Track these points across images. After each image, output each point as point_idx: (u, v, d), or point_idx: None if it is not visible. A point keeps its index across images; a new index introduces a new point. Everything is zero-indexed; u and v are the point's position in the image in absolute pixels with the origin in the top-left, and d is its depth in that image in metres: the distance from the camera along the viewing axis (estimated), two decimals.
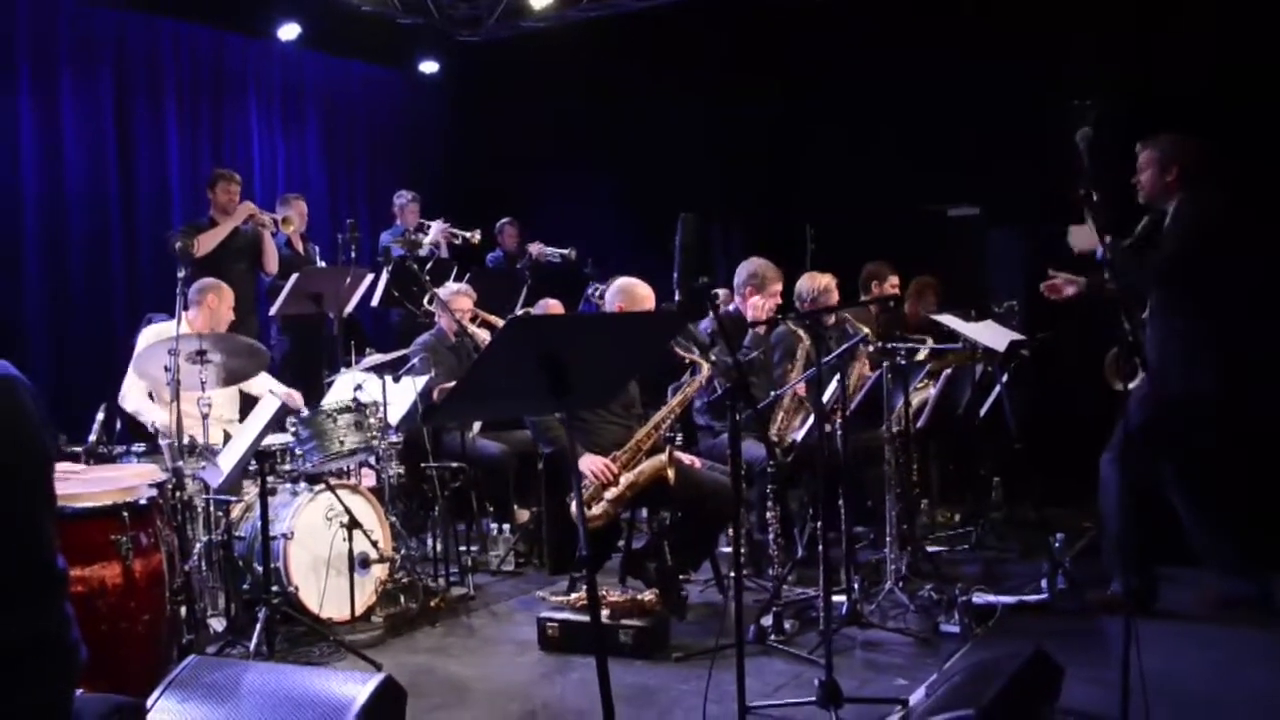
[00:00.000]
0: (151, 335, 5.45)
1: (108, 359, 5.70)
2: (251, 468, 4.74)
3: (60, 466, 3.89)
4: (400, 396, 5.51)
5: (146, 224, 7.94)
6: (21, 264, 7.27)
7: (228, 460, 4.58)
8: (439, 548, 5.68)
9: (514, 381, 2.76)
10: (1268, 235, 5.50)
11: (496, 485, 6.32)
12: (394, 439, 5.43)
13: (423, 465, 5.76)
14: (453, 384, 5.31)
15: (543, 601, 4.96)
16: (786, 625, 4.65)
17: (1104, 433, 4.86)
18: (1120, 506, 4.71)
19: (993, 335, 5.68)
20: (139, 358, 5.11)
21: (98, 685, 2.42)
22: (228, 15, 8.51)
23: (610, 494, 4.87)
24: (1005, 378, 5.83)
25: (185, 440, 4.69)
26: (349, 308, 6.87)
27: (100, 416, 4.96)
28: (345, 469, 5.39)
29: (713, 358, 5.19)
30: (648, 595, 4.66)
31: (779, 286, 5.88)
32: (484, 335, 6.22)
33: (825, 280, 5.95)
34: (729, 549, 5.12)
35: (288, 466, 5.11)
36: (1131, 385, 4.64)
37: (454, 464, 5.80)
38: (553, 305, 7.14)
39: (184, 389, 4.69)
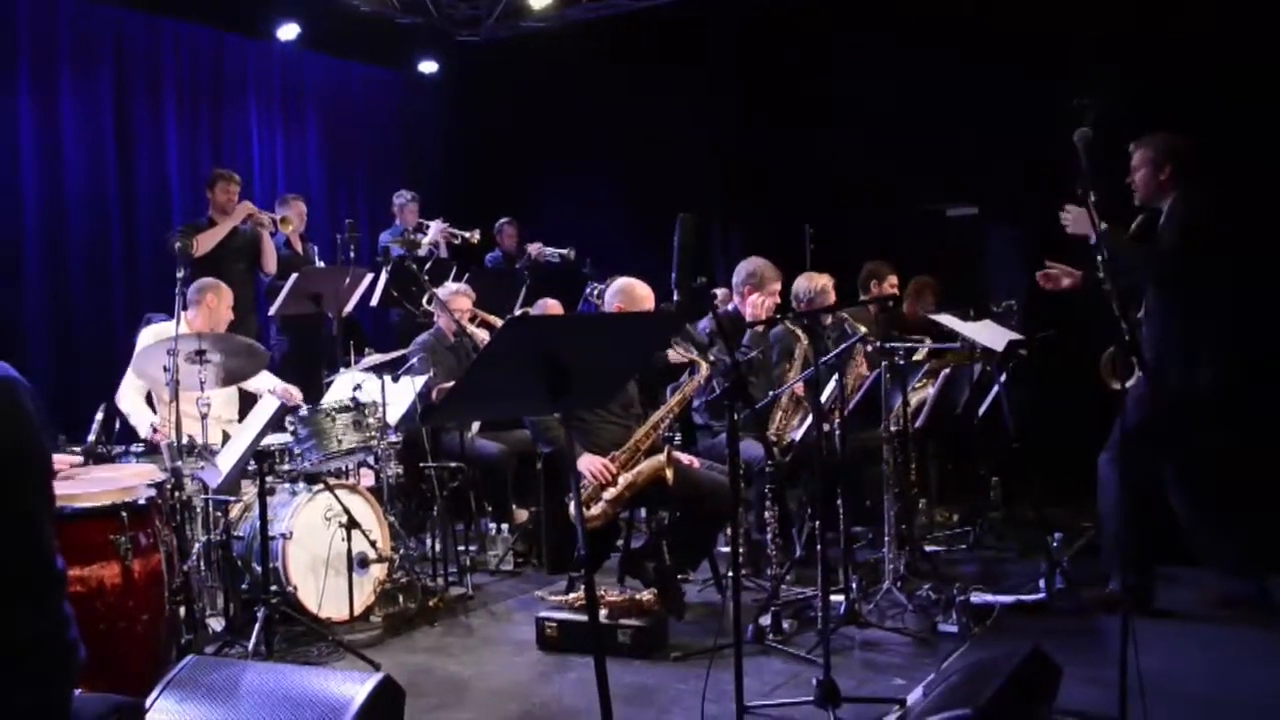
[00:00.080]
0: (151, 335, 5.45)
1: (107, 359, 5.71)
2: (250, 468, 4.74)
3: (60, 457, 3.89)
4: (399, 396, 5.52)
5: (146, 224, 7.94)
6: (21, 264, 7.27)
7: (226, 460, 4.58)
8: (437, 547, 5.68)
9: (513, 381, 2.76)
10: (1263, 232, 5.51)
11: (495, 485, 6.32)
12: (393, 439, 5.43)
13: (421, 465, 5.76)
14: (451, 384, 5.33)
15: (541, 601, 4.97)
16: (785, 625, 4.65)
17: (1102, 432, 4.86)
18: (1118, 506, 4.71)
19: (991, 335, 5.68)
20: (139, 357, 5.12)
21: (96, 685, 2.43)
22: (227, 15, 8.52)
23: (609, 494, 4.87)
24: (1003, 377, 5.83)
25: (184, 440, 4.69)
26: (348, 308, 6.87)
27: (99, 417, 4.97)
28: (344, 469, 5.39)
29: (711, 357, 5.20)
30: (646, 595, 4.67)
31: (778, 286, 5.88)
32: (483, 335, 6.22)
33: (822, 280, 5.96)
34: (727, 549, 5.14)
35: (286, 466, 5.12)
36: (1129, 385, 4.64)
37: (453, 464, 5.81)
38: (551, 305, 7.15)
39: (183, 389, 4.69)
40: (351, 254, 7.17)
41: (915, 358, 5.84)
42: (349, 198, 9.76)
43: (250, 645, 4.41)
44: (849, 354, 5.34)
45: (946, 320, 5.71)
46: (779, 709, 3.84)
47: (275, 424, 4.69)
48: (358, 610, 4.97)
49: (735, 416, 3.81)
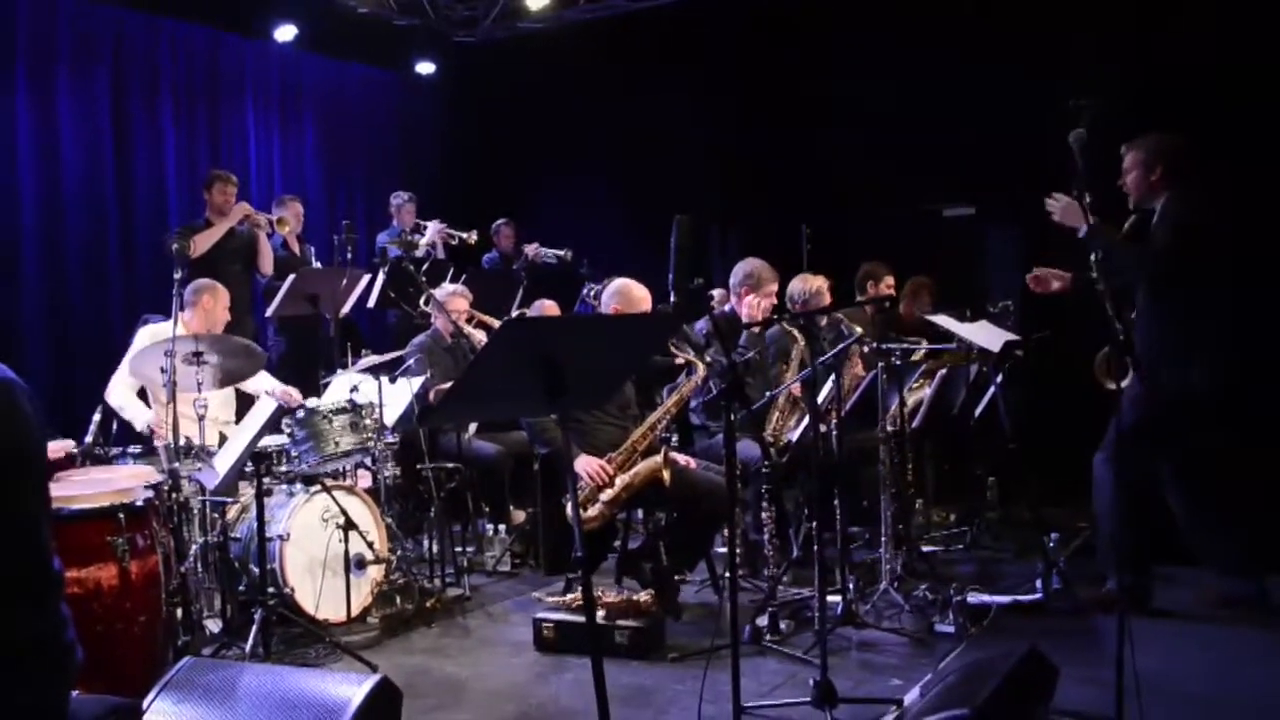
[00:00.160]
0: (147, 336, 5.44)
1: (105, 360, 5.70)
2: (247, 469, 4.74)
3: (52, 445, 3.89)
4: (396, 397, 5.52)
5: (143, 224, 7.93)
6: (18, 264, 7.26)
7: (224, 462, 4.58)
8: (435, 549, 5.68)
9: (510, 383, 2.77)
10: (1258, 232, 5.52)
11: (492, 486, 6.32)
12: (390, 440, 5.43)
13: (418, 466, 5.77)
14: (449, 385, 5.33)
15: (538, 602, 4.97)
16: (782, 625, 4.66)
17: (1098, 432, 4.87)
18: (1114, 506, 4.72)
19: (987, 335, 5.68)
20: (135, 358, 5.11)
21: (94, 686, 2.43)
22: (225, 15, 8.51)
23: (606, 495, 4.88)
24: (1000, 378, 5.83)
25: (181, 442, 4.69)
26: (345, 309, 6.87)
27: (96, 418, 4.97)
28: (341, 470, 5.39)
29: (708, 358, 5.20)
30: (643, 596, 4.67)
31: (775, 287, 5.89)
32: (480, 336, 6.22)
33: (817, 282, 5.96)
34: (724, 549, 5.13)
35: (284, 468, 5.12)
36: (1123, 384, 4.65)
37: (450, 465, 5.82)
38: (549, 306, 7.15)
39: (180, 390, 4.69)
40: (349, 255, 7.17)
41: (912, 359, 5.84)
42: (346, 198, 9.76)
43: (247, 647, 4.41)
44: (845, 355, 5.35)
45: (943, 321, 5.72)
46: (776, 710, 3.84)
47: (272, 425, 4.69)
48: (355, 611, 4.97)
49: (732, 417, 3.81)
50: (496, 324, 6.47)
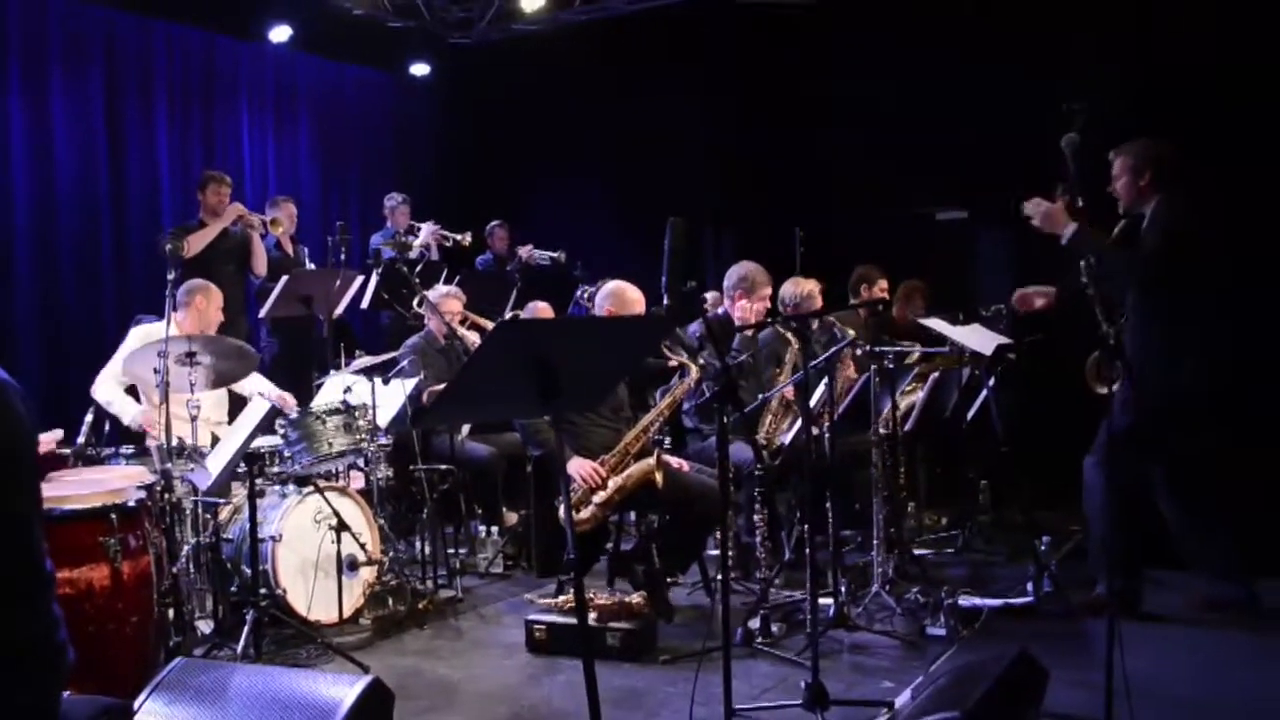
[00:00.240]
0: (140, 337, 5.44)
1: (97, 360, 5.70)
2: (240, 470, 4.74)
3: (43, 436, 3.89)
4: (389, 399, 5.51)
5: (137, 225, 7.93)
6: (11, 264, 7.25)
7: (216, 462, 4.58)
8: (427, 550, 5.68)
9: (503, 385, 2.77)
10: (1252, 234, 5.55)
11: (485, 488, 6.32)
12: (383, 441, 5.43)
13: (411, 468, 5.76)
14: (442, 387, 5.33)
15: (530, 604, 4.98)
16: (774, 628, 4.66)
17: (1090, 436, 4.88)
18: (1104, 510, 4.73)
19: (980, 339, 5.70)
20: (128, 358, 5.11)
21: (85, 687, 2.43)
22: (219, 17, 8.51)
23: (598, 497, 4.88)
24: (992, 381, 5.85)
25: (174, 442, 4.69)
26: (339, 310, 6.87)
27: (89, 418, 4.96)
28: (334, 471, 5.38)
29: (701, 361, 5.21)
30: (635, 598, 4.67)
31: (769, 291, 5.91)
32: (473, 338, 6.22)
33: (809, 285, 5.98)
34: (716, 552, 5.13)
35: (276, 469, 5.11)
36: (1114, 388, 4.66)
37: (443, 466, 5.82)
38: (542, 308, 7.14)
39: (173, 391, 4.68)
40: (342, 256, 7.17)
41: (905, 362, 5.85)
42: (340, 200, 9.76)
43: (239, 647, 4.41)
44: (838, 358, 5.36)
45: (935, 324, 5.74)
46: (767, 712, 3.85)
47: (265, 426, 4.69)
48: (347, 613, 4.96)
49: (725, 420, 3.82)
50: (490, 326, 6.47)
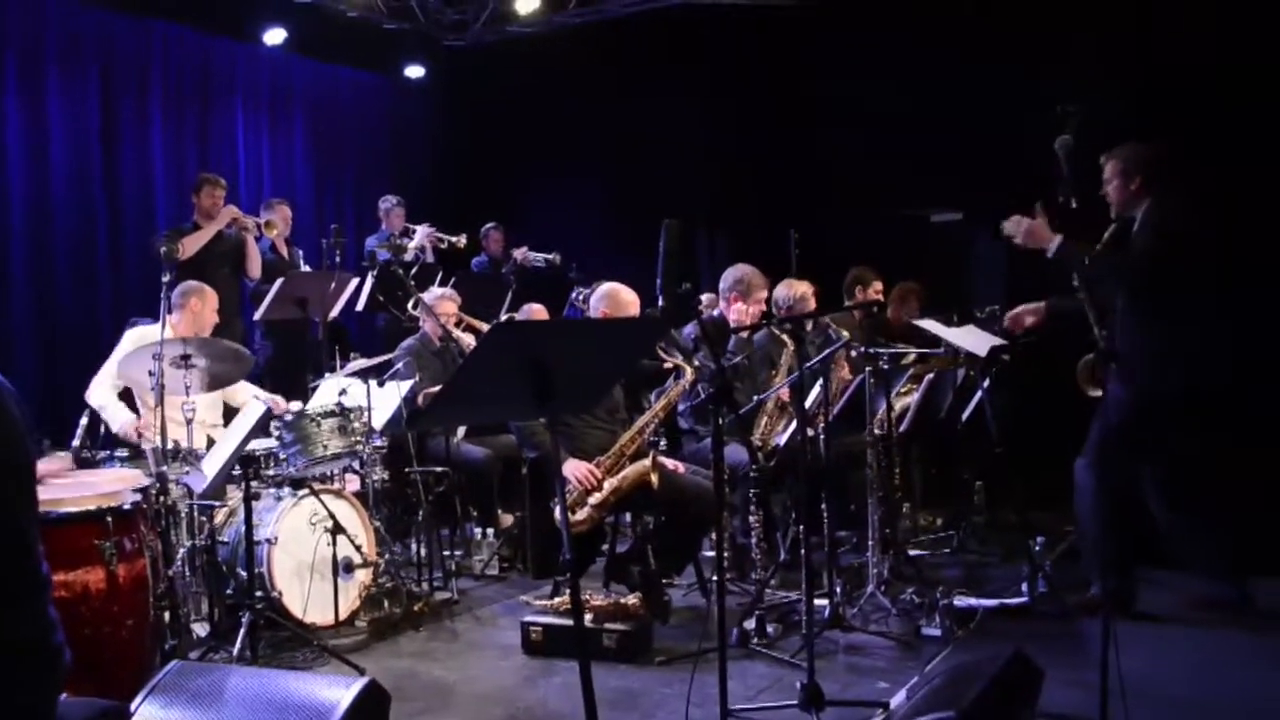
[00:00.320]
0: (134, 339, 5.43)
1: (92, 362, 5.69)
2: (235, 473, 4.74)
3: (46, 465, 3.90)
4: (385, 401, 5.51)
5: (132, 227, 7.93)
6: (6, 266, 7.25)
7: (212, 465, 4.58)
8: (423, 552, 5.68)
9: (499, 387, 2.77)
10: (1253, 232, 5.56)
11: (480, 490, 6.32)
12: (378, 443, 5.43)
13: (407, 470, 5.76)
14: (437, 389, 5.33)
15: (526, 606, 4.98)
16: (769, 629, 4.66)
17: (1084, 437, 4.89)
18: (1095, 510, 4.75)
19: (974, 340, 5.71)
20: (123, 361, 5.10)
21: (82, 689, 2.43)
22: (215, 19, 8.51)
23: (594, 499, 4.88)
24: (987, 382, 5.86)
25: (169, 445, 4.68)
26: (334, 312, 6.87)
27: (84, 421, 4.96)
28: (329, 474, 5.38)
29: (696, 363, 5.22)
30: (631, 599, 4.68)
31: (764, 294, 5.92)
32: (469, 340, 6.22)
33: (802, 288, 5.99)
34: (712, 553, 5.15)
35: (272, 471, 5.11)
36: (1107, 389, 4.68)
37: (438, 468, 5.82)
38: (537, 310, 7.16)
39: (168, 393, 4.68)
40: (337, 258, 7.17)
41: (900, 363, 5.86)
42: (335, 202, 9.76)
43: (235, 650, 4.40)
44: (833, 359, 5.37)
45: (930, 325, 5.74)
46: (763, 713, 3.86)
47: (260, 429, 4.69)
48: (343, 615, 4.96)
49: (720, 421, 3.83)
50: (485, 328, 6.47)
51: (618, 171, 9.17)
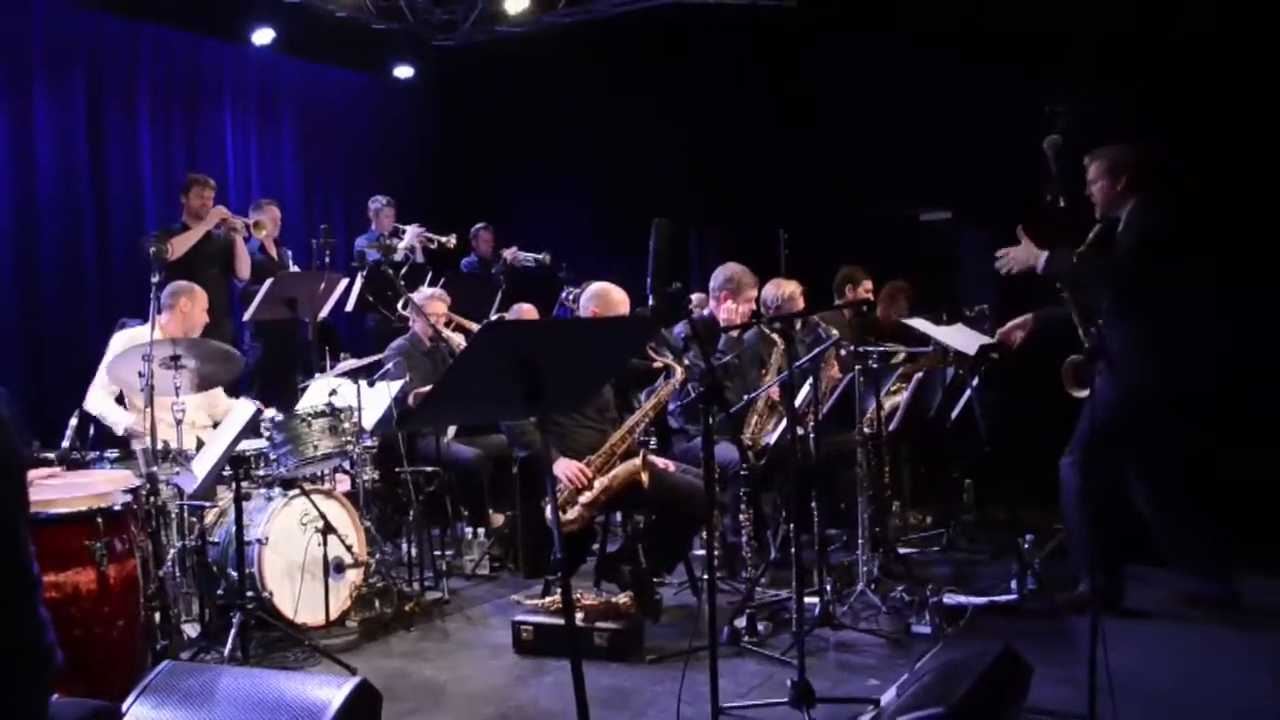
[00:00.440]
0: (124, 340, 5.42)
1: (80, 363, 5.69)
2: (226, 473, 4.73)
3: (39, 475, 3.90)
4: (375, 401, 5.52)
5: (120, 228, 7.90)
6: None
7: (202, 466, 4.57)
8: (414, 552, 5.68)
9: (489, 386, 2.77)
10: (1251, 232, 5.58)
11: (471, 489, 6.32)
12: (368, 443, 5.43)
13: (397, 470, 5.76)
14: (428, 389, 5.33)
15: (517, 605, 4.99)
16: (760, 627, 4.68)
17: (1072, 435, 4.92)
18: (1081, 508, 4.77)
19: (963, 339, 5.73)
20: (112, 363, 5.09)
21: (73, 690, 2.43)
22: (203, 20, 8.48)
23: (584, 498, 4.89)
24: (976, 381, 5.88)
25: (159, 445, 4.68)
26: (323, 313, 6.86)
27: (73, 422, 4.94)
28: (320, 474, 5.38)
29: (686, 362, 5.22)
30: (622, 598, 4.68)
31: (754, 293, 5.93)
32: (458, 340, 6.23)
33: (790, 287, 6.01)
34: (702, 551, 5.16)
35: (262, 472, 5.11)
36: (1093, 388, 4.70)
37: (429, 468, 5.82)
38: (527, 310, 7.15)
39: (157, 394, 4.67)
40: (327, 259, 7.16)
41: (889, 362, 5.88)
42: (324, 202, 9.74)
43: (226, 651, 4.41)
44: (822, 358, 5.38)
45: (919, 324, 5.76)
46: (754, 710, 3.86)
47: (251, 429, 4.68)
48: (334, 615, 4.96)
49: (710, 420, 3.83)
50: (475, 328, 6.47)
51: (607, 171, 9.17)
